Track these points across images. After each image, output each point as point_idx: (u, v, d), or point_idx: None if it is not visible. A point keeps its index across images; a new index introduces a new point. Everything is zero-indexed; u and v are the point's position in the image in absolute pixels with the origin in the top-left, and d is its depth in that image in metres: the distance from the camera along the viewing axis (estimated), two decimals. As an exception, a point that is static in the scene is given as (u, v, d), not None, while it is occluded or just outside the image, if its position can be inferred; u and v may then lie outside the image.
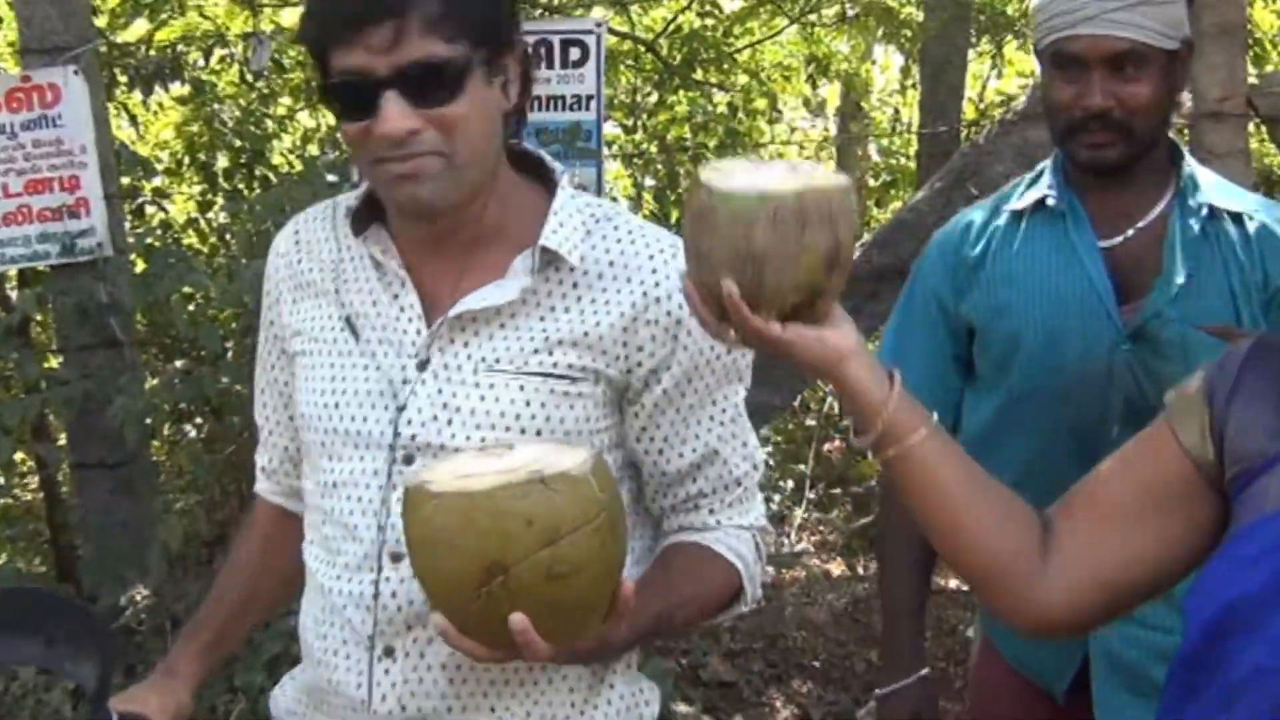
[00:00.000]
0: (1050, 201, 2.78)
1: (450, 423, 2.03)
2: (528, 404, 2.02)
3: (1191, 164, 2.76)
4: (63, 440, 5.37)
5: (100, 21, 6.63)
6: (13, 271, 4.99)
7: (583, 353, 2.02)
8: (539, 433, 2.01)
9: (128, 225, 5.23)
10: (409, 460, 2.05)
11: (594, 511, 1.70)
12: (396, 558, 2.05)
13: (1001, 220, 2.85)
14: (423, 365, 2.06)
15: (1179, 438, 1.82)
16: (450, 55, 1.92)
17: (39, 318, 5.03)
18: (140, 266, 5.01)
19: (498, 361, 2.03)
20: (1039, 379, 2.75)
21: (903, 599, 2.96)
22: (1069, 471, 2.68)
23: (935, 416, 1.78)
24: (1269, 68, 7.02)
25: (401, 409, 2.07)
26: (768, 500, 6.93)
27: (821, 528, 7.13)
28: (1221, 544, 1.74)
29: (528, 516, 1.65)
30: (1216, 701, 1.68)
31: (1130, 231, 2.72)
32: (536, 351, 2.02)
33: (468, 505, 1.65)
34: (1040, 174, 2.83)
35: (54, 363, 5.15)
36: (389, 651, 2.09)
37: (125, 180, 5.34)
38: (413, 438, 2.05)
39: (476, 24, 1.94)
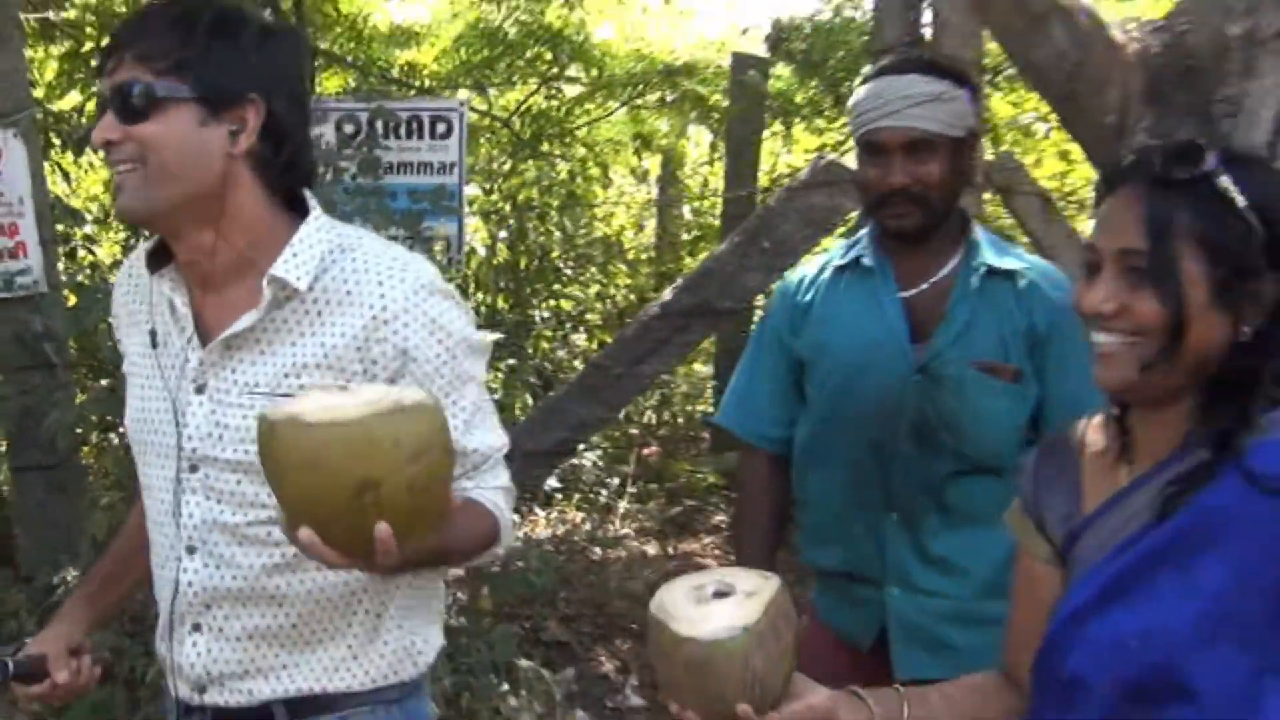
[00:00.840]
0: (865, 260, 2.86)
1: (221, 438, 2.01)
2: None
3: (977, 231, 2.83)
4: (2, 447, 5.27)
5: (39, 93, 6.47)
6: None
7: (325, 373, 1.99)
8: (240, 440, 2.00)
9: (61, 266, 5.10)
10: (194, 469, 2.04)
11: (442, 433, 1.69)
12: (191, 550, 2.06)
13: (827, 274, 2.94)
14: (200, 389, 2.03)
15: (1036, 555, 1.91)
16: (148, 84, 1.91)
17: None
18: (72, 301, 4.90)
19: (257, 385, 2.00)
20: (849, 402, 2.80)
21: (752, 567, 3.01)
22: (871, 473, 2.79)
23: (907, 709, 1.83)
24: (1004, 149, 7.18)
25: (185, 427, 2.05)
26: (596, 494, 6.94)
27: (640, 516, 7.13)
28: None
29: (395, 438, 1.63)
30: (1059, 695, 1.76)
31: (924, 285, 2.79)
32: (287, 375, 1.99)
33: (344, 431, 1.62)
34: (859, 239, 2.90)
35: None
36: (196, 627, 2.10)
37: (60, 228, 5.22)
38: (194, 450, 2.04)
39: (197, 72, 1.93)
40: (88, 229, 6.33)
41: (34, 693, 2.22)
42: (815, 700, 1.78)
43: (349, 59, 7.75)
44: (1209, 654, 1.62)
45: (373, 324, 1.97)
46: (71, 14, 7.06)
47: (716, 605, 1.76)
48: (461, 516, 1.93)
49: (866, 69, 6.65)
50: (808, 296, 2.94)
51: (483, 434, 2.09)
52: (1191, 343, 1.66)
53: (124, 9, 7.13)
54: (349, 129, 5.40)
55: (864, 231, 2.92)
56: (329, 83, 7.88)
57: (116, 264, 6.54)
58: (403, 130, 5.46)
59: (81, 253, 6.02)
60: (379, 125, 5.40)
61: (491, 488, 2.08)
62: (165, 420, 2.08)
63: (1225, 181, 1.67)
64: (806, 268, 3.03)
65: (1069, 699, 1.74)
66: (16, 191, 4.48)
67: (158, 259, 2.09)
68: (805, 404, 2.94)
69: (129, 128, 1.92)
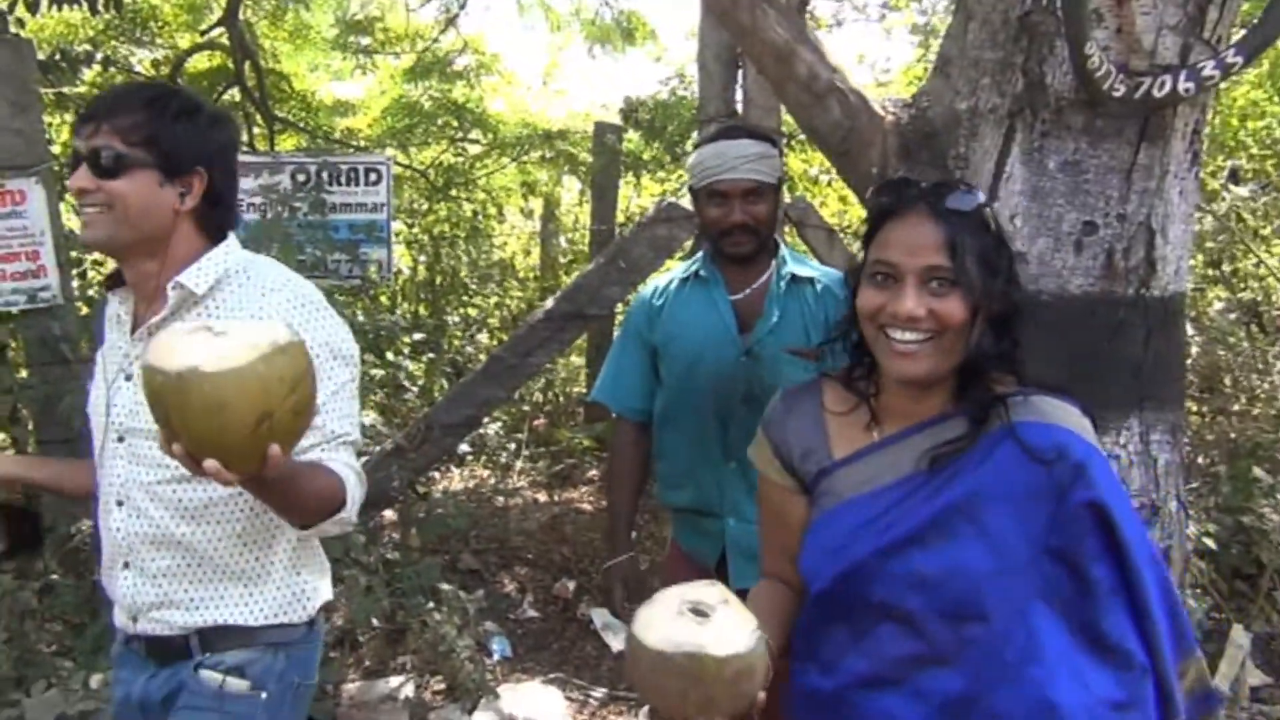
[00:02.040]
0: (703, 274, 2.91)
1: (138, 414, 1.99)
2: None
3: (785, 250, 2.90)
4: (30, 426, 5.07)
5: (55, 149, 6.26)
6: (-7, 315, 4.70)
7: None
8: (135, 414, 1.99)
9: (75, 283, 4.93)
10: (120, 439, 2.03)
11: (308, 361, 1.62)
12: (120, 504, 2.04)
13: (674, 285, 2.97)
14: (129, 377, 2.02)
15: (784, 486, 1.90)
16: (120, 152, 1.91)
17: (13, 345, 4.70)
18: (84, 310, 4.74)
19: None
20: (694, 378, 2.85)
21: (621, 511, 3.01)
22: (713, 432, 2.83)
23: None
24: (798, 194, 7.28)
25: (114, 407, 2.04)
26: (497, 456, 6.84)
27: (532, 472, 7.10)
28: (810, 525, 1.83)
29: (279, 375, 1.56)
30: (853, 623, 1.75)
31: (748, 290, 2.86)
32: None
33: (239, 375, 1.52)
34: (697, 259, 2.95)
35: (24, 374, 4.85)
36: (126, 565, 2.07)
37: (73, 254, 5.04)
38: (120, 424, 2.03)
39: (158, 149, 1.94)
40: (96, 255, 6.14)
41: None
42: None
43: (301, 124, 7.60)
44: (997, 584, 1.65)
45: None
46: (82, 89, 6.85)
47: (717, 620, 1.58)
48: (310, 469, 1.88)
49: (695, 134, 6.72)
50: (660, 301, 2.97)
51: (336, 418, 2.00)
52: (971, 336, 1.70)
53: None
54: (301, 177, 5.30)
55: (700, 254, 2.96)
56: (285, 142, 7.72)
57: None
58: (343, 178, 5.38)
59: (90, 273, 5.82)
60: (325, 175, 5.32)
61: (342, 462, 1.97)
62: (103, 402, 2.07)
63: (988, 212, 1.73)
64: (658, 281, 3.05)
65: (883, 616, 1.73)
66: (38, 226, 4.33)
67: (113, 281, 2.09)
68: (660, 382, 2.96)
69: (101, 181, 1.92)
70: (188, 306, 1.99)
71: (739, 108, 5.68)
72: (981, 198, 1.74)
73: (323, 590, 2.14)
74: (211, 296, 1.99)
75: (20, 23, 5.30)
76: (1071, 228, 2.18)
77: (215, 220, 2.05)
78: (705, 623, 1.57)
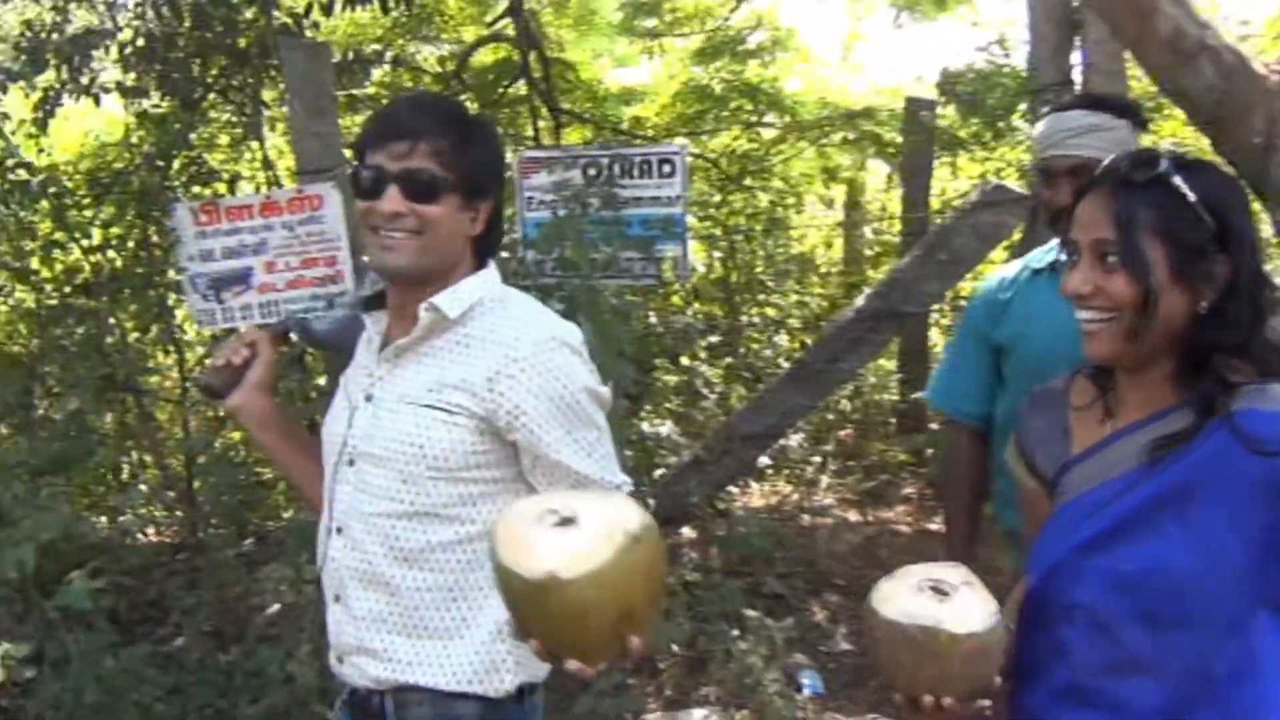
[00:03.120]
0: (1060, 262, 2.82)
1: (373, 437, 2.04)
2: (420, 426, 2.01)
3: None
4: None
5: (348, 152, 6.77)
6: (291, 321, 5.12)
7: (459, 394, 2.00)
8: (421, 447, 2.00)
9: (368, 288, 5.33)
10: (350, 463, 2.09)
11: (661, 547, 1.63)
12: (338, 530, 2.10)
13: (1024, 275, 2.90)
14: (369, 399, 2.09)
15: (1021, 479, 1.97)
16: (437, 175, 1.99)
17: (310, 353, 5.12)
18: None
19: (407, 395, 2.04)
20: (1043, 382, 2.79)
21: (959, 529, 3.00)
22: None
23: None
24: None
25: (351, 428, 2.10)
26: (802, 470, 6.87)
27: (840, 488, 7.10)
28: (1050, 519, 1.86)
29: (636, 567, 1.57)
30: (1052, 626, 1.78)
31: None
32: (430, 390, 2.02)
33: (599, 579, 1.53)
34: (1053, 246, 2.88)
35: (320, 380, 5.25)
36: (337, 598, 2.13)
37: (365, 258, 5.43)
38: (354, 447, 2.08)
39: (464, 172, 2.01)
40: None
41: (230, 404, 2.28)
42: None
43: (587, 115, 7.88)
44: (1203, 588, 1.64)
45: (503, 362, 1.99)
46: (371, 90, 7.36)
47: (957, 599, 1.66)
48: None
49: (1022, 107, 6.53)
50: (1007, 294, 2.92)
51: (603, 467, 2.05)
52: (1160, 316, 1.69)
53: (410, 83, 7.40)
54: (592, 171, 5.49)
55: (1055, 240, 2.89)
56: (571, 135, 8.03)
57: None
58: (635, 171, 5.53)
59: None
60: (615, 168, 5.49)
61: None
62: (342, 424, 2.13)
63: (1178, 181, 1.70)
64: (1005, 271, 3.00)
65: (1081, 618, 1.74)
66: (335, 231, 4.69)
67: (372, 302, 2.18)
68: (1003, 385, 2.91)
69: (416, 205, 1.99)
70: (439, 330, 2.05)
71: (1076, 74, 5.48)
72: (1166, 167, 1.71)
73: (532, 667, 2.08)
74: (463, 322, 2.05)
75: (315, 25, 5.77)
76: None
77: (489, 246, 2.15)
78: (945, 600, 1.65)
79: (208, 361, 2.33)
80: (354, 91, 6.71)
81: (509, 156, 5.25)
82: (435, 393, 2.01)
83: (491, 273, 2.13)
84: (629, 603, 1.57)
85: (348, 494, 2.09)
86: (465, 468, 2.01)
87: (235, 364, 2.29)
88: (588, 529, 1.58)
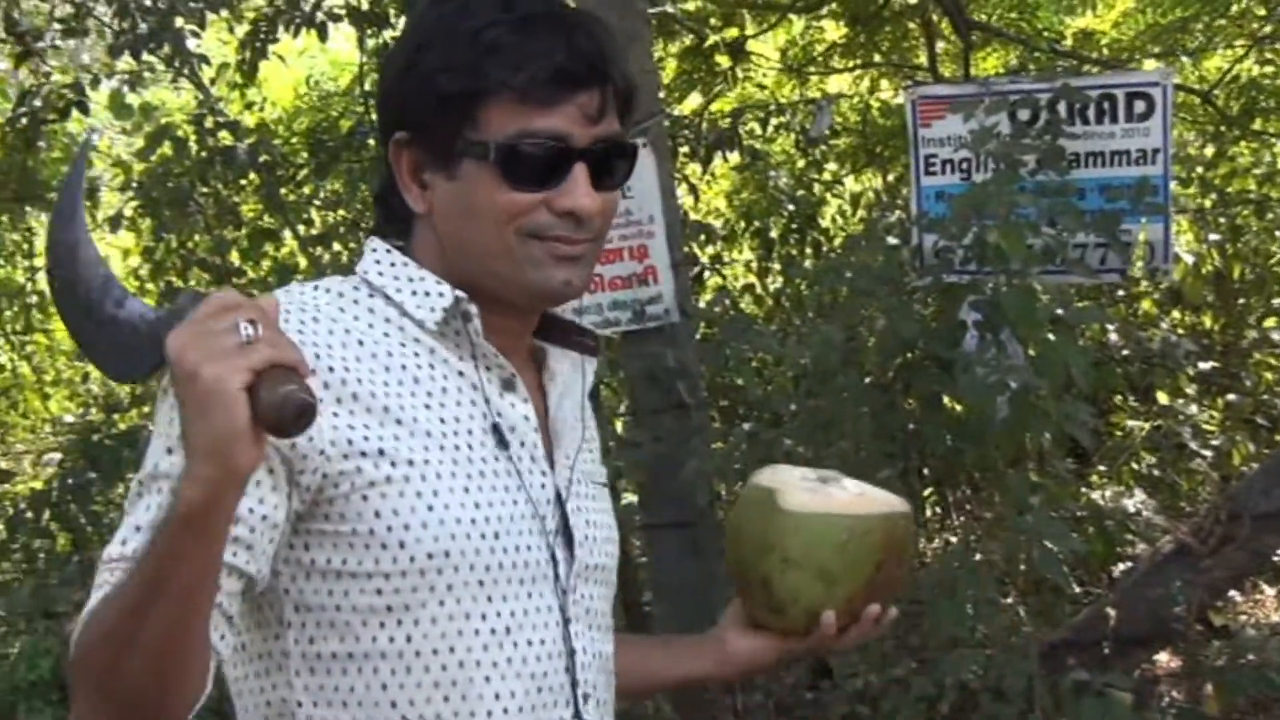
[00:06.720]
0: None
1: (595, 540, 1.91)
2: (608, 512, 2.00)
3: None
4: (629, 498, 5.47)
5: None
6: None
7: (591, 450, 1.99)
8: (609, 539, 1.97)
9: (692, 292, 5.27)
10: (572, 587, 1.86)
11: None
12: (585, 698, 1.85)
13: None
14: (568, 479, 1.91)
15: None
16: (627, 145, 1.80)
17: (611, 383, 5.10)
18: (705, 331, 5.05)
19: (592, 475, 1.97)
20: None
21: None
22: None
23: None
24: None
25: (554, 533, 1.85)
26: None
27: None
28: None
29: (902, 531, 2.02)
30: None
31: None
32: (597, 461, 2.02)
33: (875, 527, 1.98)
34: None
35: (617, 425, 5.23)
36: (586, 698, 1.87)
37: (684, 249, 5.41)
38: (572, 564, 1.85)
39: (629, 116, 1.82)
40: (711, 248, 6.57)
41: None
42: None
43: (1011, 31, 7.68)
44: None
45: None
46: (692, 5, 7.33)
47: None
48: None
49: None
50: None
51: None
52: None
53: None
54: (1023, 114, 5.27)
55: None
56: (984, 62, 7.83)
57: (748, 288, 6.77)
58: (1090, 113, 5.28)
59: (707, 275, 6.21)
60: (1059, 108, 5.25)
61: None
62: (525, 517, 1.83)
63: None
64: None
65: None
66: (647, 209, 4.62)
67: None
68: None
69: (605, 195, 1.79)
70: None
71: None
72: None
73: None
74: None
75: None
76: None
77: None
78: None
79: None
80: (666, 8, 6.70)
81: (900, 96, 5.08)
82: (600, 465, 2.04)
83: None
84: (889, 554, 1.99)
85: (587, 639, 1.88)
86: None
87: None
88: (855, 486, 2.08)
